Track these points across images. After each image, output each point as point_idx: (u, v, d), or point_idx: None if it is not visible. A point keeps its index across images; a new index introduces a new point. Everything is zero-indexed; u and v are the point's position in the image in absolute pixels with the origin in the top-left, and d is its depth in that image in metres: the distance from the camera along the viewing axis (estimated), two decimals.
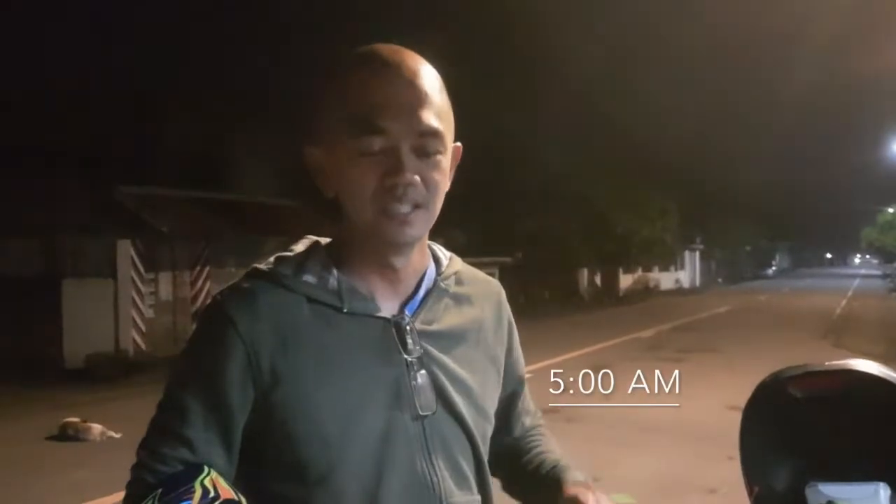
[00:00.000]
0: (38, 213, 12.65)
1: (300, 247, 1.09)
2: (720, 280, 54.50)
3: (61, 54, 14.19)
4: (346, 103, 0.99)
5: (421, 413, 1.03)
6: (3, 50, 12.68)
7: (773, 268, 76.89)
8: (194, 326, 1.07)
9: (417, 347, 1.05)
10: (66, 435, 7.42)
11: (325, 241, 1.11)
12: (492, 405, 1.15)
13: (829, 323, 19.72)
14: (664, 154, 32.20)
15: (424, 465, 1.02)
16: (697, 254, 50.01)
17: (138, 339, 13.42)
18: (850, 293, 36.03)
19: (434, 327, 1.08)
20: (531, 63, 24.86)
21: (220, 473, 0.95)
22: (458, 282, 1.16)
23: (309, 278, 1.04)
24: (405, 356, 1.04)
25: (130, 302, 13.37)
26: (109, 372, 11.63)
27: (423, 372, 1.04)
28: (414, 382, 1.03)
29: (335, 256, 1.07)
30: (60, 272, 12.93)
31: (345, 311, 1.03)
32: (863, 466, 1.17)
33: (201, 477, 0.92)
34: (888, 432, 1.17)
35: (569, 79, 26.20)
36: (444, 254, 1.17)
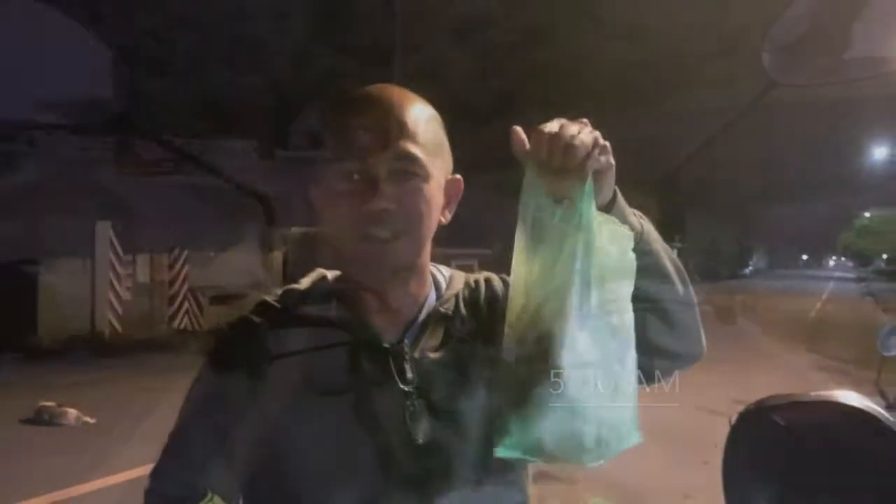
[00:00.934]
0: (14, 192, 12.47)
1: (307, 280, 1.13)
2: (697, 278, 54.80)
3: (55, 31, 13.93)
4: (333, 139, 1.03)
5: (418, 442, 1.03)
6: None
7: (751, 268, 77.54)
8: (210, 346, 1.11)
9: (415, 376, 1.05)
10: (41, 419, 7.33)
11: (332, 274, 1.14)
12: None
13: (804, 326, 19.88)
14: (647, 150, 32.23)
15: (422, 494, 1.03)
16: (675, 252, 50.20)
17: (114, 322, 13.30)
18: (824, 296, 36.33)
19: (433, 355, 1.08)
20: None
21: (224, 499, 0.99)
22: (458, 303, 1.15)
23: (311, 310, 1.07)
24: (402, 386, 1.04)
25: (108, 283, 13.24)
26: (84, 353, 11.53)
27: (420, 401, 1.04)
28: (411, 411, 1.03)
29: (339, 289, 1.10)
30: (37, 251, 12.77)
31: (344, 341, 1.04)
32: (844, 494, 1.20)
33: (204, 502, 0.97)
34: (868, 461, 1.20)
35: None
36: (444, 276, 1.17)
